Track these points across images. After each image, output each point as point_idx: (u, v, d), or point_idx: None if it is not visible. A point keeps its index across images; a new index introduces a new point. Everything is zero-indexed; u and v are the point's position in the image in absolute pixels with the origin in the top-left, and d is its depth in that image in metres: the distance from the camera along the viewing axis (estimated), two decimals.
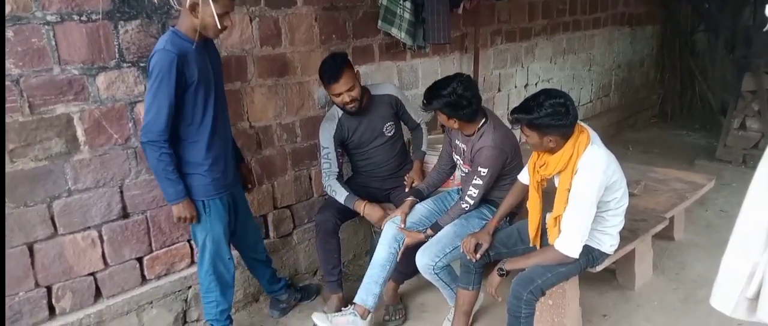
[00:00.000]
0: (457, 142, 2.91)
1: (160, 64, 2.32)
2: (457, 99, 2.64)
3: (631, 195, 3.55)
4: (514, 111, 2.40)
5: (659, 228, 3.25)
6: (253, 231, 3.04)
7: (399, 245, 2.94)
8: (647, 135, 6.96)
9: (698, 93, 7.50)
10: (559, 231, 2.44)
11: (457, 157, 2.96)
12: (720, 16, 7.01)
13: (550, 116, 2.28)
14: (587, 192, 2.34)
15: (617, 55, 6.78)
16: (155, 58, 2.34)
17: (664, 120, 7.62)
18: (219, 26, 2.38)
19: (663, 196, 3.64)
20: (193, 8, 2.34)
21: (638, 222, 3.18)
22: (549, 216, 2.51)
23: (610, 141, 6.44)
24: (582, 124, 2.46)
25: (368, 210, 3.13)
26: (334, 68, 2.96)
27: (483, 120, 2.77)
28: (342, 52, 3.24)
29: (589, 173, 2.34)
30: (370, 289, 2.94)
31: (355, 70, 3.06)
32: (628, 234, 2.99)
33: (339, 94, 2.99)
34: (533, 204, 2.59)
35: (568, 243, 2.40)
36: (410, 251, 2.89)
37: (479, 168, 2.74)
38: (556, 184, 2.48)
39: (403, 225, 2.95)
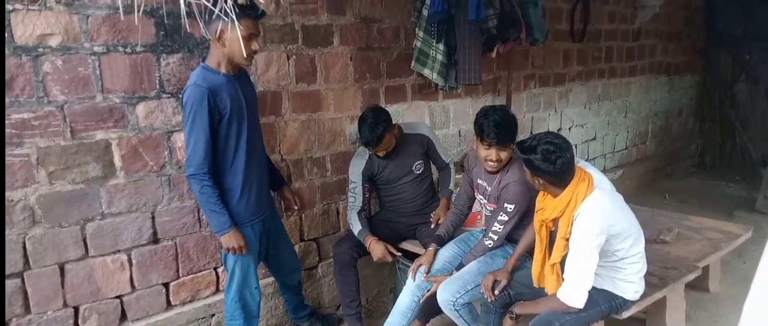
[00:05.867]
0: (479, 181, 2.91)
1: (192, 99, 2.40)
2: (509, 120, 2.67)
3: (662, 242, 3.54)
4: (518, 143, 2.45)
5: (691, 277, 3.15)
6: (289, 256, 3.07)
7: (422, 293, 2.93)
8: (685, 185, 6.80)
9: (738, 144, 7.32)
10: (557, 278, 2.42)
11: (480, 197, 2.96)
12: (761, 67, 6.90)
13: (538, 159, 2.30)
14: (585, 240, 2.31)
15: (654, 103, 6.71)
16: (188, 93, 2.43)
17: (703, 170, 7.45)
18: (245, 51, 2.38)
19: (697, 245, 3.54)
20: (220, 36, 2.40)
21: (669, 270, 3.09)
22: (547, 263, 2.49)
23: (646, 189, 6.42)
24: (589, 169, 2.45)
25: (373, 246, 3.15)
26: (374, 136, 3.02)
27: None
28: (382, 112, 3.15)
29: (586, 220, 2.31)
30: None
31: (394, 127, 3.15)
32: (658, 282, 2.91)
33: (375, 152, 3.14)
34: (536, 244, 2.56)
35: (569, 292, 2.38)
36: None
37: (506, 205, 2.73)
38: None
39: (426, 274, 2.93)
